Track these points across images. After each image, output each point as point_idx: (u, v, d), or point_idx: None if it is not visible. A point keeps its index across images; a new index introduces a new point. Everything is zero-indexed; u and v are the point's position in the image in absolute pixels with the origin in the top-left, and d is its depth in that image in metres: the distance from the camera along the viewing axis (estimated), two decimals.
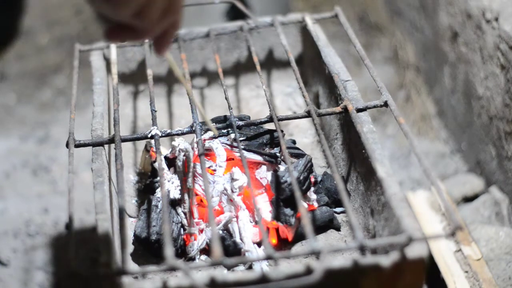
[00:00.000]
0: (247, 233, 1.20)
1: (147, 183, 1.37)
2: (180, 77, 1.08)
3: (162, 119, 1.53)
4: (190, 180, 1.25)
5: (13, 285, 1.64)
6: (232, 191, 1.23)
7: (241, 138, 1.28)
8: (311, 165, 1.26)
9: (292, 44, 1.54)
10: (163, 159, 1.30)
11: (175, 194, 1.25)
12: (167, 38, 0.88)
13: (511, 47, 1.54)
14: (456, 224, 0.97)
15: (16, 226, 1.80)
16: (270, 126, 1.41)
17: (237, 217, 1.23)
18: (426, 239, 0.99)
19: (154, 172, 1.37)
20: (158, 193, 1.27)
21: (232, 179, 1.26)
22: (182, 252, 1.23)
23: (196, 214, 1.25)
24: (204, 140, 1.27)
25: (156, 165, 1.33)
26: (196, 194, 1.26)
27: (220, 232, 1.21)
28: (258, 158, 1.27)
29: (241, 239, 1.20)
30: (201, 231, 1.24)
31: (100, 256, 1.00)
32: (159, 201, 1.24)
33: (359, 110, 1.23)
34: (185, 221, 1.24)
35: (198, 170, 1.28)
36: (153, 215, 1.22)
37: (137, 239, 1.21)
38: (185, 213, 1.25)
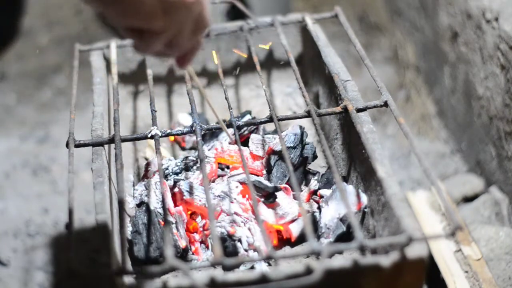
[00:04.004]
0: (257, 236, 1.21)
1: None
2: (200, 88, 1.09)
3: (162, 119, 1.53)
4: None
5: (13, 285, 1.64)
6: (231, 191, 1.24)
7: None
8: None
9: (292, 44, 1.54)
10: (163, 160, 1.30)
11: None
12: (191, 55, 0.91)
13: (511, 47, 1.54)
14: (456, 224, 0.97)
15: (16, 226, 1.80)
16: (270, 126, 1.41)
17: (235, 213, 1.23)
18: (426, 239, 0.99)
19: None
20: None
21: (232, 176, 1.26)
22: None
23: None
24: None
25: (155, 164, 1.33)
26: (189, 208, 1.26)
27: (224, 231, 1.22)
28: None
29: (251, 241, 1.20)
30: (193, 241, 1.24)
31: (100, 256, 1.00)
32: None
33: (359, 110, 1.23)
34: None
35: (193, 179, 1.29)
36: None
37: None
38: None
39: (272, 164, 1.30)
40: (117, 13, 0.78)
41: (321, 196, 1.26)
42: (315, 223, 1.23)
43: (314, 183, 1.30)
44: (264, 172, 1.31)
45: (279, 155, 1.30)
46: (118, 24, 0.80)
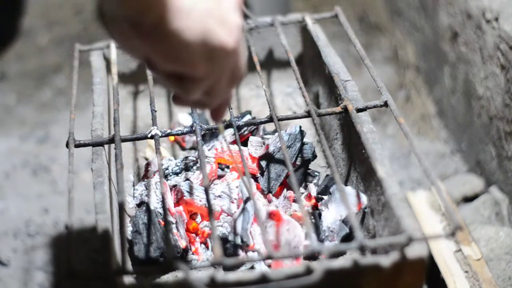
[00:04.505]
0: (255, 232, 1.20)
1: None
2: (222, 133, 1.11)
3: (162, 119, 1.53)
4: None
5: (13, 285, 1.64)
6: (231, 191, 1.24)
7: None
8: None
9: (292, 44, 1.54)
10: (163, 160, 1.30)
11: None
12: (225, 107, 0.91)
13: (511, 47, 1.54)
14: (456, 224, 0.97)
15: (16, 226, 1.80)
16: (270, 126, 1.41)
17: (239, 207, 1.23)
18: (426, 239, 0.99)
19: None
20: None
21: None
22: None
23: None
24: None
25: (155, 164, 1.33)
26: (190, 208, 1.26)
27: (225, 231, 1.22)
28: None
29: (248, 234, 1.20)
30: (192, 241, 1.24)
31: (100, 256, 1.00)
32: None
33: (359, 110, 1.23)
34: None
35: (192, 178, 1.29)
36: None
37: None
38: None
39: (264, 166, 1.29)
40: (159, 55, 0.78)
41: (321, 199, 1.26)
42: (316, 226, 1.22)
43: (313, 188, 1.29)
44: (259, 174, 1.31)
45: (272, 156, 1.30)
46: (160, 67, 0.80)
